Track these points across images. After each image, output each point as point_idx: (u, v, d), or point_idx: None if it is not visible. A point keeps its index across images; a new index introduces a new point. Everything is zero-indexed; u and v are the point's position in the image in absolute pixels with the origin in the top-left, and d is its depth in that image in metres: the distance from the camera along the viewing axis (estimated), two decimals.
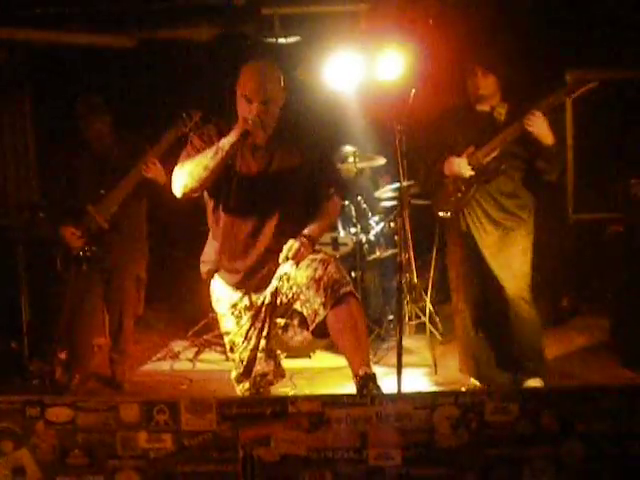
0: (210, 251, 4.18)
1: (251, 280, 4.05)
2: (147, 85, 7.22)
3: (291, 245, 3.87)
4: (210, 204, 4.11)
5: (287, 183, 4.00)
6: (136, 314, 5.51)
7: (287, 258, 3.86)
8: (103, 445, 3.13)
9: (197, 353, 6.53)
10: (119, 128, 5.43)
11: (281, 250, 3.89)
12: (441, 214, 5.01)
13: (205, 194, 4.07)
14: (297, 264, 3.88)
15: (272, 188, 3.98)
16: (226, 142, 3.84)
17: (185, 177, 3.91)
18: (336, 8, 6.81)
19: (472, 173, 4.81)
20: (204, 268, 4.20)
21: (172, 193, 4.55)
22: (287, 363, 6.04)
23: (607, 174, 6.97)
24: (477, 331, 5.00)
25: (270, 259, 3.97)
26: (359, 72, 5.98)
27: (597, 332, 6.42)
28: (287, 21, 6.88)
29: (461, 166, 4.83)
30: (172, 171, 4.93)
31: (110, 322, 5.45)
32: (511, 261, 4.89)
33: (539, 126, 4.62)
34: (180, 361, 6.47)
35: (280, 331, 6.21)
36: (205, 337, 6.69)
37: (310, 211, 4.11)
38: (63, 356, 5.82)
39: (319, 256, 3.92)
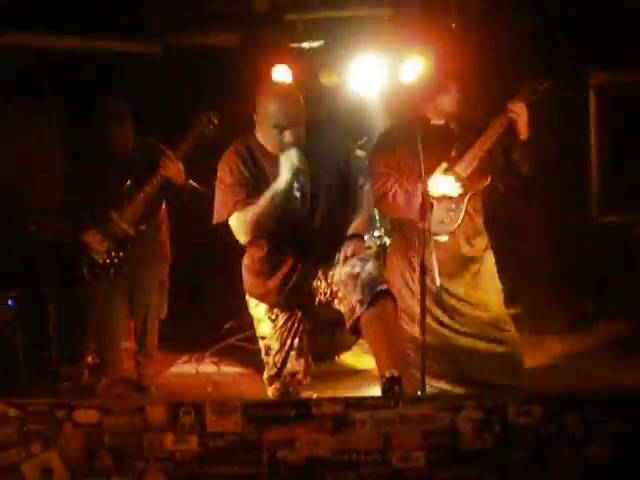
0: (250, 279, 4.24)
1: (284, 294, 4.09)
2: (173, 91, 7.27)
3: (349, 244, 3.96)
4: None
5: (322, 192, 4.04)
6: (160, 317, 5.52)
7: (346, 257, 3.90)
8: (130, 447, 3.16)
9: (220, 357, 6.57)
10: (142, 133, 5.44)
11: (319, 261, 4.00)
12: (439, 239, 4.60)
13: None
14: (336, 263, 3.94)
15: (309, 202, 4.02)
16: (281, 183, 3.84)
17: (251, 226, 3.93)
18: (360, 13, 6.82)
19: (461, 191, 4.61)
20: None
21: (189, 195, 4.62)
22: (313, 365, 6.12)
23: (632, 175, 6.94)
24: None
25: (308, 272, 4.03)
26: (382, 76, 6.02)
27: (621, 335, 6.39)
28: (311, 26, 6.91)
29: (450, 185, 4.59)
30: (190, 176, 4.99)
31: (135, 326, 5.44)
32: (494, 281, 4.81)
33: (522, 116, 4.49)
34: (205, 364, 6.51)
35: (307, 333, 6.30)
36: (229, 340, 6.72)
37: (349, 210, 4.16)
38: (90, 360, 5.86)
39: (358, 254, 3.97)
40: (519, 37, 6.68)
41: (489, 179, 4.69)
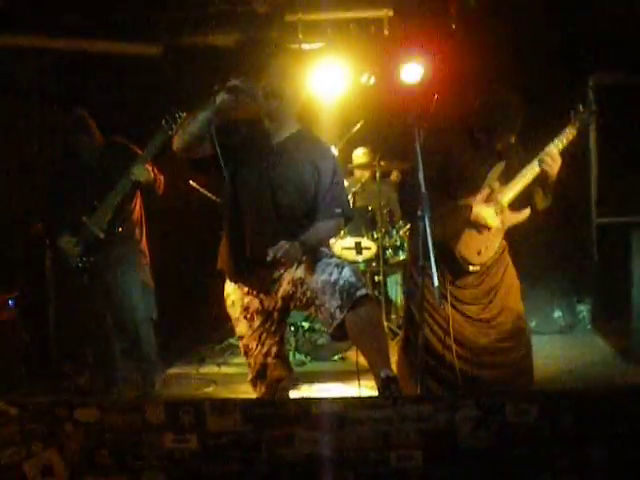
0: (222, 248, 4.23)
1: (250, 278, 4.08)
2: (172, 92, 7.26)
3: (281, 245, 3.81)
4: (223, 199, 4.19)
5: (293, 190, 4.01)
6: (151, 318, 5.47)
7: (275, 257, 3.79)
8: (129, 445, 3.18)
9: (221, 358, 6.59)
10: (113, 135, 5.44)
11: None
12: (472, 268, 4.58)
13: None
14: (310, 270, 3.90)
15: (277, 190, 3.99)
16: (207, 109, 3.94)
17: (180, 131, 4.04)
18: (359, 14, 6.83)
19: (501, 226, 4.55)
20: (219, 264, 4.24)
21: (165, 195, 4.66)
22: (311, 366, 6.16)
23: (631, 178, 6.95)
24: None
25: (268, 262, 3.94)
26: (382, 77, 6.06)
27: (619, 336, 6.40)
28: (310, 27, 6.92)
29: (493, 219, 4.51)
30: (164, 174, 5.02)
31: (126, 330, 5.42)
32: (515, 295, 4.74)
33: (555, 167, 4.42)
34: (206, 364, 6.54)
35: (306, 334, 6.33)
36: (231, 340, 6.73)
37: (311, 223, 4.06)
38: (91, 360, 5.87)
39: (334, 260, 3.96)
40: (519, 39, 6.69)
41: (527, 213, 4.64)
